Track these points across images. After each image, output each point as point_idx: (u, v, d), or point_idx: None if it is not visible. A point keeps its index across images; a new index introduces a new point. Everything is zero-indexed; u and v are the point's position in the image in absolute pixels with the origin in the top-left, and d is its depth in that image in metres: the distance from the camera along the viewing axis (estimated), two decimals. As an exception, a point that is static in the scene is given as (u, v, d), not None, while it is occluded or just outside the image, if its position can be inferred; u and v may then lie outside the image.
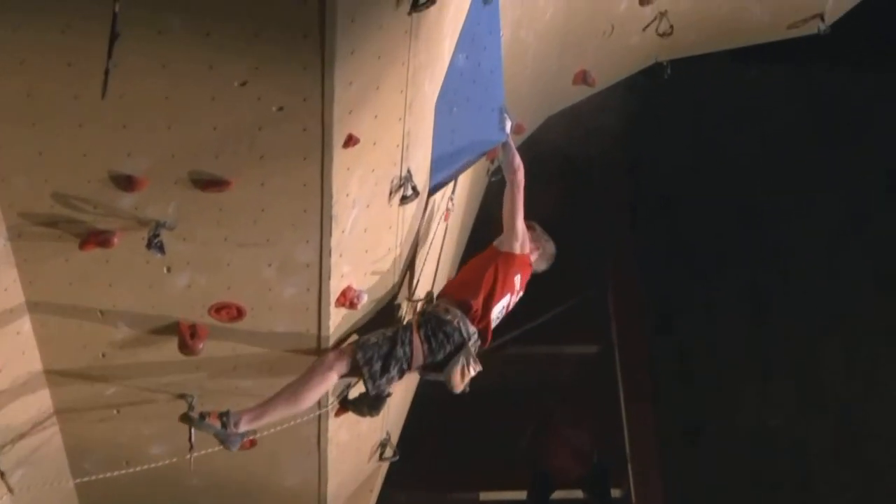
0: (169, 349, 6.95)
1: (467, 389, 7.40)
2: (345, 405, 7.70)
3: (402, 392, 8.68)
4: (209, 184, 6.11)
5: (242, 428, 6.88)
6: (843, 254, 14.69)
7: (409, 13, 5.88)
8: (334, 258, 6.62)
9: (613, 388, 14.35)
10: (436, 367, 7.31)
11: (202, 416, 6.85)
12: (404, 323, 7.44)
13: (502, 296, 7.51)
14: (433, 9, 5.99)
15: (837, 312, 14.53)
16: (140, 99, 5.69)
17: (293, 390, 7.02)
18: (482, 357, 7.39)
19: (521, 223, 7.56)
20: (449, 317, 7.29)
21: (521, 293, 7.71)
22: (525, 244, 7.63)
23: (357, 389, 7.58)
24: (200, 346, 6.88)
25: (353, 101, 5.94)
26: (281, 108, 5.83)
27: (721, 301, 14.70)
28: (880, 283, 14.64)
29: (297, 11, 5.43)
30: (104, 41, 5.22)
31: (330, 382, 7.12)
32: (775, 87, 15.05)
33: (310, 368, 7.08)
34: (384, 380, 7.12)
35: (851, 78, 15.02)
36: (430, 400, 9.54)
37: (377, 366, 7.09)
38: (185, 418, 6.92)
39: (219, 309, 6.81)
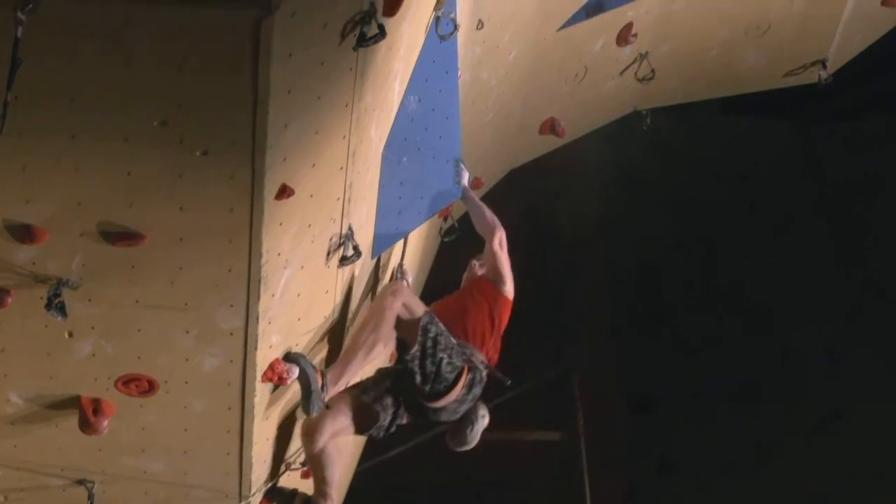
0: (68, 427, 6.89)
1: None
2: (271, 498, 7.69)
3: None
4: (120, 237, 6.09)
5: (331, 391, 7.22)
6: (845, 335, 14.73)
7: (355, 49, 5.92)
8: (262, 325, 6.61)
9: (579, 483, 14.33)
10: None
11: (315, 367, 7.10)
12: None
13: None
14: (382, 44, 6.04)
15: (840, 400, 14.56)
16: (43, 137, 5.68)
17: (363, 336, 7.33)
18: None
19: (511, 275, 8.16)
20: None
21: None
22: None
23: (291, 482, 7.58)
24: (105, 423, 6.83)
25: (289, 147, 5.96)
26: (205, 153, 5.82)
27: (708, 385, 14.71)
28: (888, 370, 14.66)
29: (228, 42, 5.44)
30: (3, 69, 5.22)
31: (396, 310, 7.39)
32: (770, 143, 15.18)
33: (372, 309, 7.42)
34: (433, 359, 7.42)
35: (856, 134, 15.17)
36: (365, 494, 9.52)
37: (440, 340, 7.43)
38: (290, 357, 7.03)
39: (127, 381, 6.77)
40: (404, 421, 7.72)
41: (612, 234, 14.93)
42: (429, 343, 7.40)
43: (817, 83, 10.92)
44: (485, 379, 7.74)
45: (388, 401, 7.57)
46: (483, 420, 7.87)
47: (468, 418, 7.81)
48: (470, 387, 7.62)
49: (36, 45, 5.22)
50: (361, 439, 9.26)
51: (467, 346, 7.75)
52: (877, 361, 14.57)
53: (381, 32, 5.95)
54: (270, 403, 7.19)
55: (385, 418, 7.58)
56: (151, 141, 5.73)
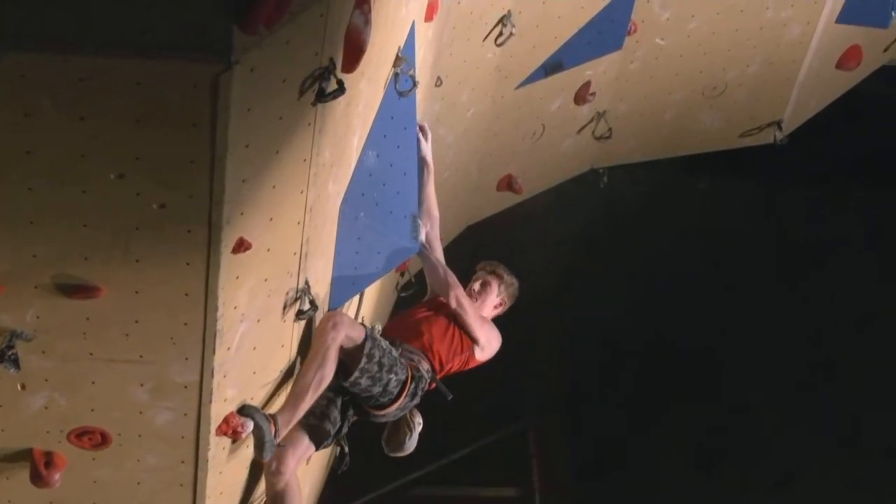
0: (18, 480, 6.85)
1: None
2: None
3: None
4: (76, 290, 6.08)
5: (282, 434, 7.10)
6: (803, 399, 14.73)
7: (314, 104, 5.95)
8: (217, 379, 6.58)
9: (535, 541, 14.31)
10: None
11: (268, 417, 6.99)
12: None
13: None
14: (341, 100, 6.07)
15: (796, 465, 14.54)
16: (-1, 189, 5.68)
17: (310, 375, 7.15)
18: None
19: (487, 331, 8.27)
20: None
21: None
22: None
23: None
24: (57, 477, 6.77)
25: (246, 201, 5.97)
26: (163, 206, 5.81)
27: (663, 446, 14.68)
28: (844, 435, 14.66)
29: (186, 96, 5.44)
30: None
31: (339, 342, 7.24)
32: (729, 203, 15.21)
33: (315, 346, 7.21)
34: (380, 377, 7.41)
35: (815, 194, 15.23)
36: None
37: (384, 361, 7.37)
38: (244, 411, 6.94)
39: (80, 434, 6.72)
40: (355, 418, 7.76)
41: (570, 291, 14.92)
42: (374, 368, 7.38)
43: (773, 144, 11.02)
44: (426, 388, 7.79)
45: (335, 413, 7.58)
46: (419, 427, 8.02)
47: (406, 425, 7.95)
48: (413, 395, 7.67)
49: (-7, 98, 5.24)
50: (318, 479, 9.30)
51: (415, 352, 7.83)
52: (827, 424, 14.59)
53: (341, 88, 5.98)
54: (224, 457, 7.16)
55: (334, 429, 7.61)
56: (108, 193, 5.72)
